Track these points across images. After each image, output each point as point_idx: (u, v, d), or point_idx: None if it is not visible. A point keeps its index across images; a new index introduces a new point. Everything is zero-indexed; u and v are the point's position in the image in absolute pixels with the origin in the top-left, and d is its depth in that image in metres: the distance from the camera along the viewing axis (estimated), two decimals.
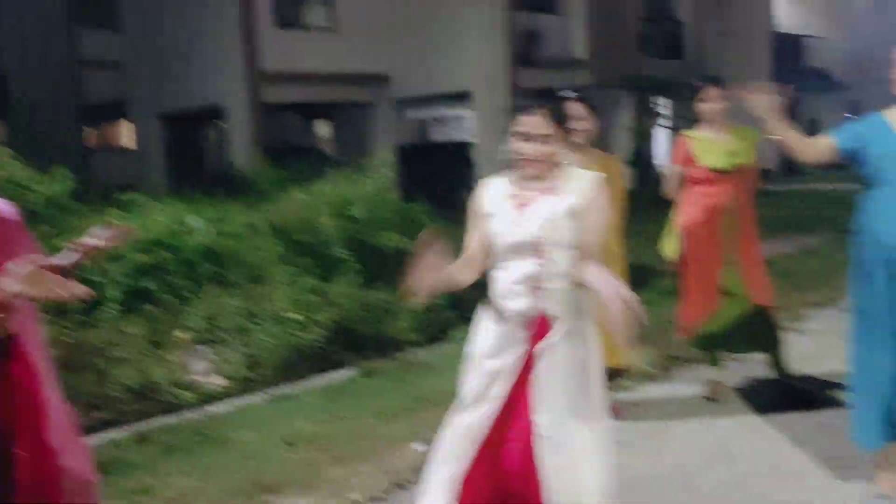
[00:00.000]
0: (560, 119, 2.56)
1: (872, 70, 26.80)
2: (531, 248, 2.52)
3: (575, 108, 4.24)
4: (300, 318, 5.93)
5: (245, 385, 5.37)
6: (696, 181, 4.48)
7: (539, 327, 2.54)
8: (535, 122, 2.52)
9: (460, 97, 16.80)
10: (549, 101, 2.60)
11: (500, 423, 2.58)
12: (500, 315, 2.58)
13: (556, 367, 2.53)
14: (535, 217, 2.53)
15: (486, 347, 2.61)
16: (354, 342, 6.01)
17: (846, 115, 27.10)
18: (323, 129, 21.55)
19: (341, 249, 6.81)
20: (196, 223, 6.91)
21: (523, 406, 2.55)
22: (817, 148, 3.26)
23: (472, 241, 2.67)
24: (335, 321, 5.98)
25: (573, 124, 4.36)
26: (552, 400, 2.53)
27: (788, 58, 24.64)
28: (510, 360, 2.56)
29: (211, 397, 5.15)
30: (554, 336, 2.53)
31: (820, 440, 3.95)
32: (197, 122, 17.48)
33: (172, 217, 7.06)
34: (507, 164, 2.65)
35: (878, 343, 3.10)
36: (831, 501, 3.34)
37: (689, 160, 4.48)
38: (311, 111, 20.49)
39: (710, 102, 4.42)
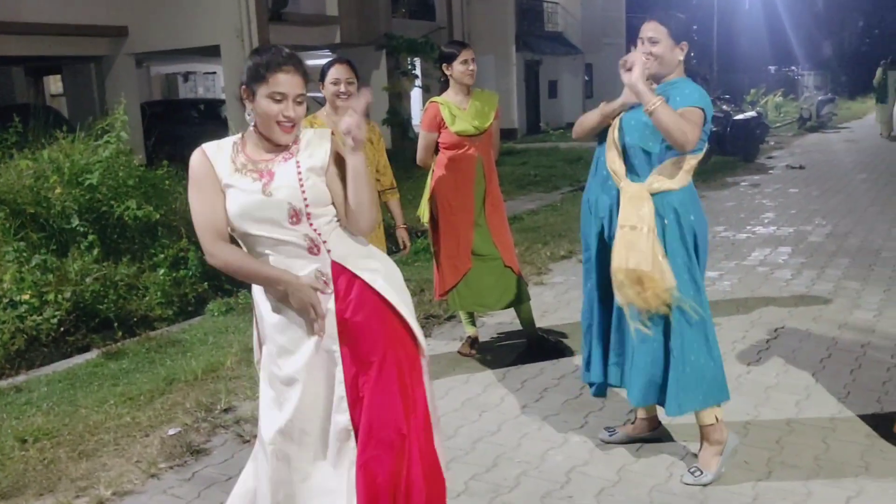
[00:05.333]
0: (308, 77, 2.39)
1: (602, 35, 29.17)
2: (289, 218, 2.29)
3: (342, 71, 4.11)
4: (32, 299, 5.39)
5: None
6: (446, 146, 4.59)
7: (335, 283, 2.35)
8: (291, 81, 2.28)
9: (208, 52, 15.97)
10: (293, 58, 2.33)
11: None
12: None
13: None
14: (283, 184, 2.29)
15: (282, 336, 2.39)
16: (98, 323, 5.58)
17: (585, 77, 29.28)
18: (54, 86, 19.61)
19: (77, 221, 6.26)
20: None
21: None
22: None
23: (210, 210, 2.31)
24: (74, 301, 5.52)
25: (340, 87, 4.22)
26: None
27: (531, 22, 26.05)
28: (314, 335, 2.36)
29: None
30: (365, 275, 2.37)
31: (562, 389, 4.27)
32: None
33: None
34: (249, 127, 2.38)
35: (594, 291, 3.43)
36: (572, 445, 3.62)
37: (438, 125, 4.57)
38: (40, 66, 18.56)
39: (455, 67, 4.52)
